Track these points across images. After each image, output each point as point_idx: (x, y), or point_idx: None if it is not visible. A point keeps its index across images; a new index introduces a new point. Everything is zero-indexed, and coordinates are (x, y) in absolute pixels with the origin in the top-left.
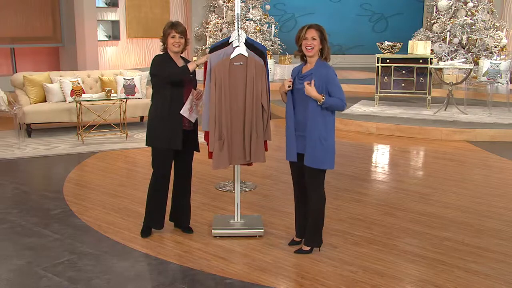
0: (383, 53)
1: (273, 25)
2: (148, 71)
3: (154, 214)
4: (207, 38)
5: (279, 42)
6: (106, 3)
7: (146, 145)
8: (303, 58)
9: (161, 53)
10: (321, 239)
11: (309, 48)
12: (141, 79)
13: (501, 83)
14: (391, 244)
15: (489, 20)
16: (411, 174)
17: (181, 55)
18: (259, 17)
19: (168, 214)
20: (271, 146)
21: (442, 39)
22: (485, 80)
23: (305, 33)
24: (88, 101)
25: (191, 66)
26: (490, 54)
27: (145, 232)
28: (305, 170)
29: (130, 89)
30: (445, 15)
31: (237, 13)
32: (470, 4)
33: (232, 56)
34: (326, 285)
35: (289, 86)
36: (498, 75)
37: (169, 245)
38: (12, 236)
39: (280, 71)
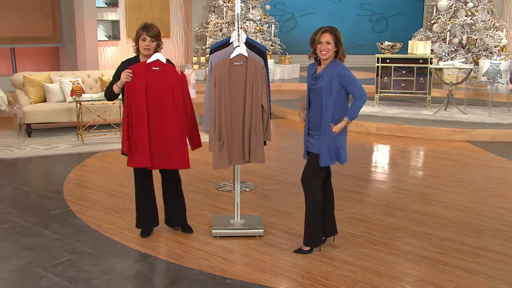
0: (383, 53)
1: (273, 25)
2: None
3: (142, 215)
4: (207, 38)
5: (279, 42)
6: (106, 3)
7: None
8: (317, 59)
9: (133, 56)
10: (318, 238)
11: (324, 52)
12: None
13: (501, 83)
14: (391, 244)
15: (489, 20)
16: (411, 174)
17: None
18: (259, 17)
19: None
20: (271, 146)
21: (442, 39)
22: (485, 80)
23: (320, 37)
24: (88, 101)
25: (115, 88)
26: (490, 54)
27: (145, 232)
28: (307, 164)
29: None
30: (445, 15)
31: (237, 13)
32: (470, 4)
33: (232, 56)
34: (326, 285)
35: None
36: (498, 75)
37: (169, 245)
38: (12, 236)
39: (280, 71)
